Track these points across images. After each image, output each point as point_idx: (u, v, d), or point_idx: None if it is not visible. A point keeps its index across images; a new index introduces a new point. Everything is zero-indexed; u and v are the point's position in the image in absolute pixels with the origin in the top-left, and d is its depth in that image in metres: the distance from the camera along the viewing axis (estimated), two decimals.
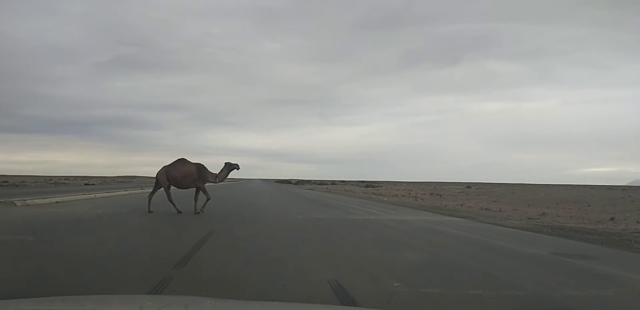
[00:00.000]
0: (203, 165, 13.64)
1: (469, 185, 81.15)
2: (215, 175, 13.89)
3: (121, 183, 64.86)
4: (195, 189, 13.59)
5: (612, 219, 17.20)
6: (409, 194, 43.83)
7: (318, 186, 78.21)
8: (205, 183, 13.69)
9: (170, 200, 13.20)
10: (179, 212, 13.02)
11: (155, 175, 13.66)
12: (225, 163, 14.10)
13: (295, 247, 7.42)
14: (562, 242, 9.38)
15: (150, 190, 14.18)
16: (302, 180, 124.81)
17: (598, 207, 23.42)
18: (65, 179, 75.02)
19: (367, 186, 76.02)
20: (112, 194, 23.41)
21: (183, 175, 13.32)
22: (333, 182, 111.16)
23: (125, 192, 25.28)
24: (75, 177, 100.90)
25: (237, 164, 14.18)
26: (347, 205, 20.87)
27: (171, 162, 13.66)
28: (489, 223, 13.55)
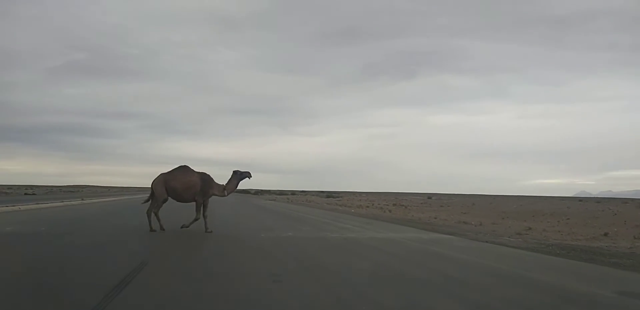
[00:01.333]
0: (209, 175, 11.55)
1: (429, 196, 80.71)
2: (223, 187, 11.67)
3: (67, 193, 60.37)
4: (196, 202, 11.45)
5: (605, 234, 15.77)
6: (373, 204, 42.25)
7: (278, 196, 75.75)
8: (209, 197, 11.54)
9: (149, 214, 11.13)
10: (152, 230, 10.94)
11: (150, 185, 11.43)
12: (234, 172, 11.83)
13: (264, 293, 5.06)
14: (600, 271, 7.50)
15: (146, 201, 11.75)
16: (262, 190, 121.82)
17: (578, 220, 22.18)
18: (8, 188, 69.67)
19: (327, 196, 74.40)
20: (43, 206, 20.26)
21: (185, 187, 11.16)
22: (293, 192, 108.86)
23: (61, 204, 22.15)
24: (20, 186, 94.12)
25: (248, 172, 11.90)
26: (315, 218, 18.63)
27: (170, 169, 11.49)
28: (485, 241, 11.65)
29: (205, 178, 11.38)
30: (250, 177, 11.88)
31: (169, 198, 11.32)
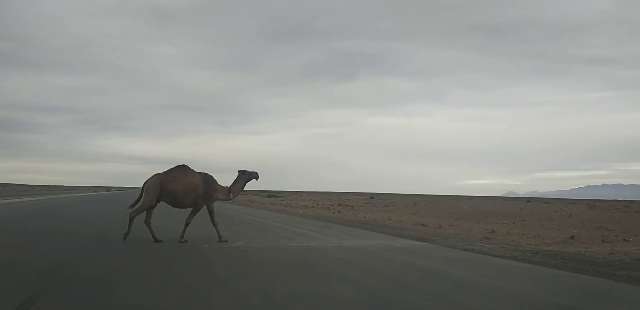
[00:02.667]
0: (211, 176, 10.09)
1: (372, 196, 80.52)
2: (227, 190, 10.22)
3: None
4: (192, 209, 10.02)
5: (572, 237, 15.00)
6: (318, 205, 40.83)
7: None
8: (213, 201, 10.05)
9: (131, 219, 9.56)
10: (125, 237, 9.41)
11: (142, 186, 9.84)
12: (240, 172, 10.40)
13: None
14: (632, 291, 6.16)
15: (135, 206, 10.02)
16: None
17: (534, 221, 21.62)
18: None
19: (269, 196, 72.58)
20: None
21: (186, 190, 9.63)
22: None
23: None
24: None
25: (255, 173, 10.49)
26: (264, 222, 16.65)
27: (167, 169, 9.89)
28: (464, 249, 10.26)
29: (207, 179, 9.89)
30: (258, 178, 10.46)
31: (157, 204, 9.79)
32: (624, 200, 73.57)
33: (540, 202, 41.38)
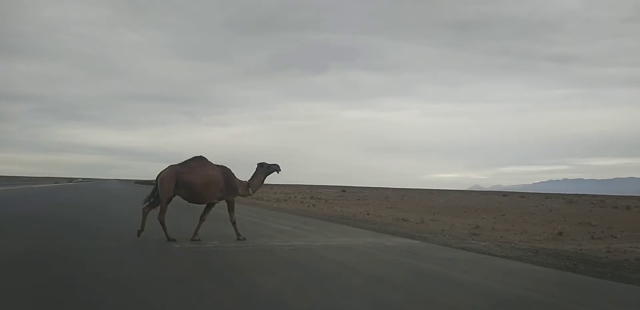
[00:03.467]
0: (229, 169, 9.35)
1: (344, 189, 80.00)
2: (246, 184, 9.51)
3: None
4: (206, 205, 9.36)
5: (560, 233, 14.47)
6: (290, 198, 39.82)
7: None
8: (234, 195, 9.31)
9: (163, 221, 8.81)
10: (172, 239, 8.61)
11: (155, 179, 9.03)
12: (258, 164, 9.72)
13: None
14: None
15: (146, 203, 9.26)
16: None
17: (515, 216, 21.16)
18: None
19: None
20: None
21: (205, 183, 8.83)
22: None
23: None
24: None
25: (276, 165, 9.78)
26: (239, 216, 15.39)
27: (183, 161, 9.08)
28: (461, 248, 9.45)
29: (226, 172, 9.17)
30: (280, 170, 9.75)
31: (172, 198, 8.95)
32: (585, 194, 75.43)
33: (516, 197, 41.50)
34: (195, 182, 8.72)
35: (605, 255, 9.57)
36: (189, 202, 9.17)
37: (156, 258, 6.97)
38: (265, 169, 9.65)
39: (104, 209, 17.98)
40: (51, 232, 9.98)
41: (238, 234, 9.12)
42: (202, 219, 9.25)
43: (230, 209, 9.31)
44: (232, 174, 9.28)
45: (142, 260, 6.76)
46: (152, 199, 9.10)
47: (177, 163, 9.02)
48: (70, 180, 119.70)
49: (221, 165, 9.25)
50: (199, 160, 9.03)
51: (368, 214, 20.84)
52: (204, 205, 9.42)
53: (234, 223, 9.27)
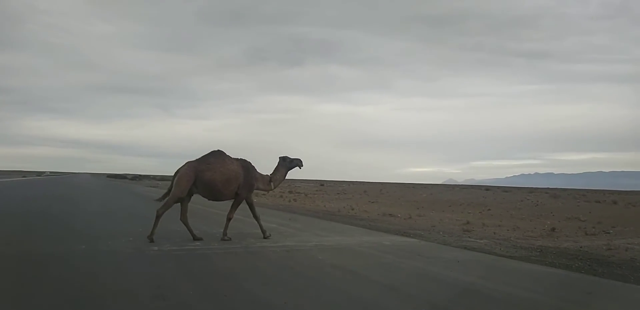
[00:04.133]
0: (249, 162, 8.91)
1: (322, 183, 79.48)
2: (268, 178, 9.12)
3: None
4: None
5: (553, 229, 14.04)
6: (269, 192, 38.81)
7: (160, 182, 68.96)
8: (252, 191, 8.92)
9: (185, 221, 8.48)
10: (199, 238, 8.25)
11: (173, 176, 8.59)
12: (280, 158, 9.31)
13: None
14: None
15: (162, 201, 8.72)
16: (140, 175, 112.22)
17: (501, 211, 20.78)
18: None
19: None
20: None
21: (226, 179, 8.37)
22: None
23: None
24: None
25: (299, 160, 9.36)
26: (220, 213, 14.57)
27: (201, 156, 8.59)
28: (462, 247, 8.83)
29: (247, 166, 8.74)
30: (302, 166, 9.37)
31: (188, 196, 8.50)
32: (557, 188, 76.70)
33: (500, 191, 41.42)
34: (215, 179, 8.26)
35: (609, 253, 9.11)
36: (209, 200, 8.76)
37: (130, 265, 6.07)
38: (287, 163, 9.23)
39: (72, 205, 16.83)
40: (10, 232, 8.95)
41: (263, 232, 8.79)
42: (256, 217, 8.94)
43: (236, 205, 8.81)
44: (253, 167, 8.84)
45: (113, 268, 5.86)
46: (172, 200, 8.49)
47: (193, 159, 8.52)
48: (39, 174, 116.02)
49: (240, 159, 8.80)
50: (217, 155, 8.54)
51: (352, 209, 20.19)
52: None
53: (257, 218, 8.94)
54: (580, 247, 9.83)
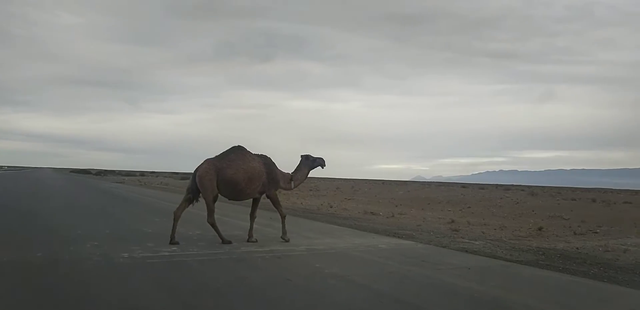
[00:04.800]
0: (270, 158, 8.42)
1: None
2: (289, 177, 8.62)
3: None
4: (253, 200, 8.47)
5: (540, 229, 13.64)
6: None
7: (126, 178, 66.76)
8: (276, 189, 8.44)
9: (213, 223, 7.86)
10: (228, 242, 7.61)
11: (192, 176, 8.07)
12: (303, 157, 8.79)
13: None
14: None
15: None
16: (105, 170, 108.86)
17: (482, 209, 20.39)
18: None
19: (183, 178, 68.09)
20: None
21: (249, 177, 7.89)
22: (142, 174, 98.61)
23: None
24: None
25: (321, 159, 8.84)
26: (197, 212, 13.52)
27: (220, 153, 8.08)
28: (460, 250, 8.20)
29: (268, 163, 8.25)
30: (324, 166, 8.87)
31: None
32: (521, 185, 78.18)
33: (476, 188, 41.48)
34: (238, 178, 7.73)
35: (611, 256, 8.67)
36: (229, 199, 8.29)
37: (95, 277, 5.11)
38: (310, 162, 8.72)
39: (29, 203, 15.49)
40: None
41: (284, 233, 8.24)
42: (252, 217, 8.41)
43: (276, 203, 8.44)
44: (274, 164, 8.35)
45: (74, 282, 4.90)
46: (190, 196, 8.02)
47: (212, 157, 8.00)
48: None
49: (261, 155, 8.31)
50: (238, 152, 8.03)
51: (331, 207, 19.46)
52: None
53: (283, 217, 8.47)
54: (577, 249, 9.37)
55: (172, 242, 7.39)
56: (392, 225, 12.67)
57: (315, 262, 6.23)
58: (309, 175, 8.94)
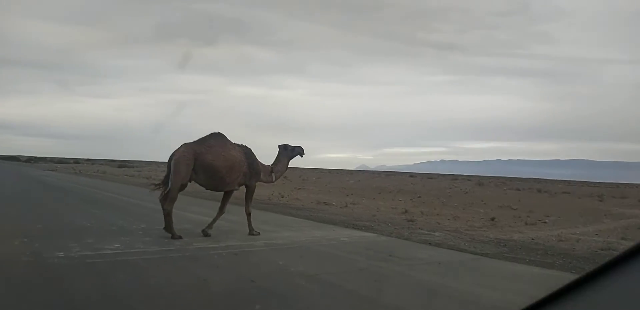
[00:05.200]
0: (251, 149, 7.96)
1: None
2: (269, 169, 8.21)
3: None
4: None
5: (492, 219, 13.79)
6: None
7: (59, 165, 63.14)
8: (256, 181, 8.01)
9: (170, 212, 7.16)
10: (178, 237, 6.89)
11: (168, 161, 7.42)
12: (281, 147, 8.46)
13: None
14: None
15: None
16: (36, 157, 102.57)
17: (432, 198, 20.52)
18: None
19: (120, 166, 65.67)
20: None
21: (229, 165, 7.36)
22: (77, 161, 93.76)
23: None
24: None
25: (300, 148, 8.52)
26: (140, 203, 12.60)
27: (199, 138, 7.53)
28: (423, 243, 7.95)
29: (249, 154, 7.85)
30: (303, 154, 8.58)
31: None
32: (462, 174, 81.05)
33: (425, 178, 42.10)
34: (218, 165, 7.24)
35: (566, 245, 8.77)
36: (208, 189, 7.76)
37: (23, 282, 4.34)
38: (289, 152, 8.41)
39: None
40: None
41: (251, 229, 7.69)
42: (221, 210, 7.92)
43: (249, 197, 8.03)
44: (255, 156, 7.93)
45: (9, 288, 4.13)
46: (164, 184, 7.58)
47: (190, 141, 7.48)
48: None
49: (242, 145, 7.86)
50: (219, 138, 7.56)
51: (283, 197, 18.93)
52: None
53: (249, 214, 7.91)
54: (532, 239, 9.43)
55: (174, 236, 6.96)
56: (348, 215, 12.38)
57: (278, 259, 5.72)
58: (289, 166, 8.60)
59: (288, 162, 8.51)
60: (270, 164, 8.29)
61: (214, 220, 7.73)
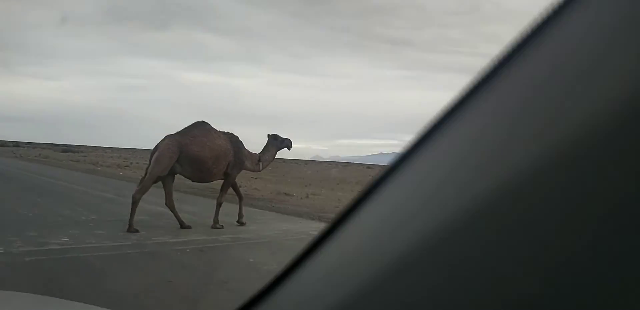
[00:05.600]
0: (237, 137, 7.75)
1: None
2: (257, 157, 8.02)
3: None
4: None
5: None
6: (132, 164, 35.01)
7: None
8: (240, 170, 7.81)
9: (137, 202, 6.81)
10: (135, 230, 6.21)
11: (151, 153, 7.14)
12: (270, 137, 8.30)
13: None
14: None
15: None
16: None
17: None
18: None
19: (65, 151, 62.51)
20: None
21: (215, 156, 7.09)
22: (17, 144, 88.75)
23: None
24: None
25: (289, 140, 8.46)
26: (86, 190, 11.73)
27: (182, 129, 7.28)
28: None
29: (235, 142, 7.71)
30: (291, 147, 8.52)
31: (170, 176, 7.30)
32: None
33: (382, 169, 42.20)
34: (204, 156, 7.03)
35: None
36: (194, 181, 7.71)
37: None
38: (279, 142, 8.36)
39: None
40: None
41: (215, 221, 7.24)
42: (219, 202, 7.66)
43: (226, 187, 7.81)
44: (242, 143, 7.78)
45: None
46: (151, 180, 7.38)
47: (173, 133, 7.25)
48: None
49: (227, 133, 7.71)
50: (202, 127, 7.36)
51: (241, 187, 18.37)
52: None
53: (219, 205, 7.51)
54: None
55: (184, 226, 6.89)
56: (310, 207, 12.12)
57: (248, 256, 5.28)
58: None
59: (276, 153, 8.44)
60: (258, 153, 8.18)
61: (216, 214, 7.38)
